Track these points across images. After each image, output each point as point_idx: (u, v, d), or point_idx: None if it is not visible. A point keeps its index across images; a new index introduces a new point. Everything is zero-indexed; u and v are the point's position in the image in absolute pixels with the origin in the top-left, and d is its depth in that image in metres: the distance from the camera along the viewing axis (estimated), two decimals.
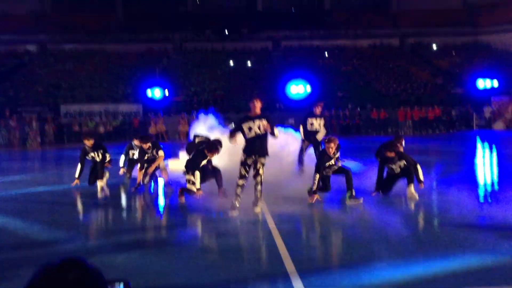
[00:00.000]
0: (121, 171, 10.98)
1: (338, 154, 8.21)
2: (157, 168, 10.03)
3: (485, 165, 14.07)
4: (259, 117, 7.36)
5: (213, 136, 10.46)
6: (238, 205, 7.37)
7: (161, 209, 8.66)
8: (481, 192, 9.07)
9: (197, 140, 10.29)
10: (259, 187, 7.41)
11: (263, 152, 7.38)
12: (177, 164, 11.80)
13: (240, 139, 7.54)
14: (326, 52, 40.41)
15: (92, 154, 10.13)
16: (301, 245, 5.70)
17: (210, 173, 8.59)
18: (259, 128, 7.31)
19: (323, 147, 8.87)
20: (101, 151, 10.15)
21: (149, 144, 9.76)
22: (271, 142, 7.65)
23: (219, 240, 6.09)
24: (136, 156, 10.52)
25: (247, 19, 44.67)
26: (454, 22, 43.61)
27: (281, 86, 31.23)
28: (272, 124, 7.39)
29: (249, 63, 38.51)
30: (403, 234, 5.99)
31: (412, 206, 7.90)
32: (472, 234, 5.85)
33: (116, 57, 39.20)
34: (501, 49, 39.57)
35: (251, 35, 43.64)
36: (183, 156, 12.62)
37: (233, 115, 22.26)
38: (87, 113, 29.51)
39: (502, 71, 33.38)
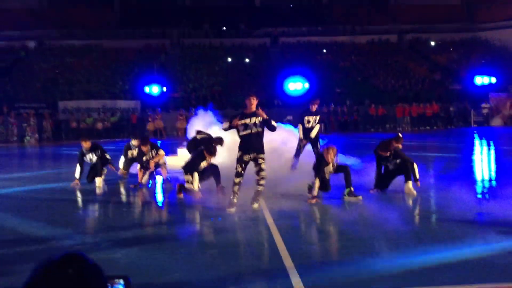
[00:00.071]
0: (124, 173, 10.99)
1: (336, 163, 8.11)
2: (156, 166, 10.06)
3: (483, 161, 14.10)
4: (255, 114, 7.34)
5: (214, 133, 10.46)
6: (235, 202, 7.36)
7: (159, 206, 8.67)
8: (479, 188, 9.09)
9: (198, 137, 10.30)
10: (262, 181, 7.37)
11: (260, 149, 7.37)
12: (175, 160, 11.81)
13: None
14: (324, 49, 40.39)
15: (89, 156, 10.19)
16: (300, 241, 5.70)
17: (208, 171, 8.59)
18: (255, 125, 7.29)
19: (321, 148, 8.89)
20: (99, 152, 10.22)
21: (148, 147, 9.81)
22: (271, 138, 7.63)
23: (218, 236, 6.09)
24: (135, 154, 10.59)
25: (245, 15, 44.59)
26: (452, 18, 43.61)
27: (279, 82, 31.22)
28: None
29: (247, 59, 38.46)
30: (401, 230, 6.00)
31: (411, 202, 7.92)
32: (470, 230, 5.87)
33: (113, 53, 39.11)
34: (499, 45, 39.59)
35: (249, 31, 43.57)
36: (181, 153, 12.65)
37: (231, 111, 22.25)
38: (85, 109, 29.45)
39: (500, 68, 33.42)
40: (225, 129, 7.52)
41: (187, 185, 8.29)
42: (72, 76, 34.66)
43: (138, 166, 9.98)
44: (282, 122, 12.65)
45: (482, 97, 31.12)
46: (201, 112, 13.19)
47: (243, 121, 7.28)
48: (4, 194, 9.53)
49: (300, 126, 10.44)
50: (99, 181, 10.09)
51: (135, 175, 10.14)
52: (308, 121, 10.45)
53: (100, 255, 5.05)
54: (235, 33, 43.15)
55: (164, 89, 31.98)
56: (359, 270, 4.50)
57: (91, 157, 10.22)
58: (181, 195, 8.42)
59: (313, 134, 10.39)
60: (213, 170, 8.64)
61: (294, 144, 10.72)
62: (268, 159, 7.67)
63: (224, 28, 44.21)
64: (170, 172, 10.30)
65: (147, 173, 9.86)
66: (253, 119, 7.28)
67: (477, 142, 20.64)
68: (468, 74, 33.40)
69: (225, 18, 43.84)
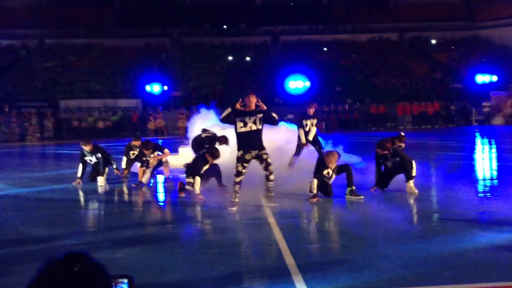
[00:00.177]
0: (125, 173, 11.02)
1: (336, 171, 8.07)
2: (158, 165, 10.07)
3: (485, 160, 14.09)
4: (255, 112, 7.32)
5: (219, 131, 10.43)
6: (237, 201, 7.36)
7: (161, 205, 8.68)
8: (480, 187, 9.09)
9: (203, 135, 10.29)
10: (272, 176, 7.36)
11: (261, 146, 7.36)
12: (177, 159, 11.82)
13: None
14: (324, 47, 40.34)
15: (89, 157, 10.23)
16: (301, 240, 5.71)
17: (210, 172, 8.59)
18: (254, 123, 7.26)
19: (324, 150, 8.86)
20: (99, 155, 10.25)
21: (150, 150, 9.83)
22: (275, 137, 7.59)
23: (219, 236, 6.09)
24: (136, 154, 10.64)
25: (246, 13, 44.55)
26: (452, 17, 43.56)
27: (280, 81, 31.20)
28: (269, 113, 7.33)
29: (247, 58, 38.44)
30: (403, 229, 6.00)
31: (412, 201, 7.92)
32: (471, 229, 5.86)
33: (114, 52, 39.10)
34: (500, 44, 39.54)
35: (249, 29, 43.53)
36: (183, 152, 12.65)
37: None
38: (86, 108, 29.46)
39: (501, 66, 33.38)
40: (224, 118, 7.38)
41: (188, 187, 8.31)
42: (73, 75, 34.67)
43: (139, 164, 9.99)
44: (283, 121, 12.63)
45: (483, 95, 31.09)
46: (203, 110, 13.21)
47: (242, 119, 7.24)
48: (5, 194, 9.54)
49: (302, 131, 10.36)
50: (101, 180, 10.14)
51: (137, 174, 10.16)
52: (306, 125, 10.47)
53: (102, 255, 5.05)
54: (236, 32, 43.12)
55: (165, 87, 31.98)
56: (361, 269, 4.51)
57: (91, 159, 10.29)
58: (183, 194, 8.44)
59: (310, 136, 10.42)
60: (215, 170, 8.65)
61: (297, 143, 10.72)
62: (272, 158, 7.64)
63: (225, 26, 44.18)
64: (171, 171, 10.31)
65: (148, 171, 9.86)
66: (253, 117, 7.26)
67: (478, 140, 20.62)
68: (469, 73, 33.35)
69: (225, 16, 43.81)
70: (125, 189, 9.95)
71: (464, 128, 28.32)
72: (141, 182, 9.72)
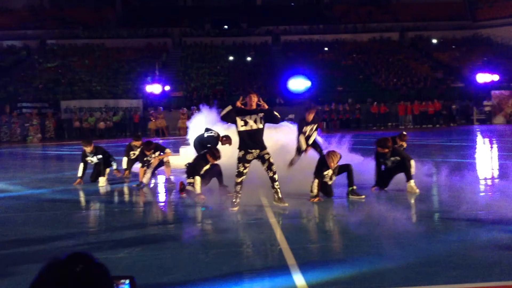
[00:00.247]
0: (125, 173, 11.04)
1: (337, 171, 8.06)
2: (160, 165, 10.07)
3: (487, 159, 14.07)
4: (256, 111, 7.30)
5: (222, 131, 10.43)
6: (238, 201, 7.35)
7: (162, 205, 8.67)
8: (482, 187, 9.08)
9: (206, 134, 10.28)
10: (276, 176, 7.27)
11: (263, 146, 7.33)
12: (178, 159, 11.82)
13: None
14: (326, 47, 40.34)
15: (90, 158, 10.25)
16: (302, 240, 5.70)
17: (211, 172, 8.58)
18: (255, 122, 7.23)
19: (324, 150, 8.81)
20: (100, 156, 10.25)
21: (152, 151, 9.83)
22: (278, 137, 7.56)
23: (220, 236, 6.08)
24: (137, 154, 10.65)
25: (246, 13, 44.58)
26: (453, 16, 43.56)
27: (281, 80, 31.21)
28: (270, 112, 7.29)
29: (248, 58, 38.44)
30: (404, 229, 5.99)
31: (413, 201, 7.90)
32: (473, 229, 5.85)
33: (115, 52, 39.14)
34: (501, 43, 39.51)
35: (250, 29, 43.55)
36: (184, 152, 12.65)
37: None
38: (87, 108, 29.48)
39: (502, 65, 33.37)
40: (224, 116, 7.26)
41: (189, 187, 8.31)
42: (74, 75, 34.71)
43: (139, 164, 9.99)
44: (285, 120, 12.61)
45: (484, 94, 31.07)
46: (205, 109, 13.20)
47: (242, 117, 7.21)
48: (7, 195, 9.55)
49: (302, 138, 9.95)
50: (102, 180, 10.16)
51: (138, 175, 10.16)
52: (305, 132, 10.34)
53: (103, 255, 5.05)
54: (237, 32, 43.15)
55: (166, 87, 31.99)
56: (362, 269, 4.50)
57: (92, 159, 10.31)
58: (184, 194, 8.44)
59: (311, 141, 10.31)
60: (216, 170, 8.64)
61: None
62: (274, 158, 7.62)
63: (226, 26, 44.21)
64: (173, 172, 10.31)
65: (148, 172, 9.85)
66: (254, 116, 7.24)
67: (480, 140, 20.59)
68: (470, 72, 33.33)
69: (226, 16, 43.87)
70: (126, 190, 9.95)
71: (465, 127, 28.29)
72: (142, 182, 9.73)
